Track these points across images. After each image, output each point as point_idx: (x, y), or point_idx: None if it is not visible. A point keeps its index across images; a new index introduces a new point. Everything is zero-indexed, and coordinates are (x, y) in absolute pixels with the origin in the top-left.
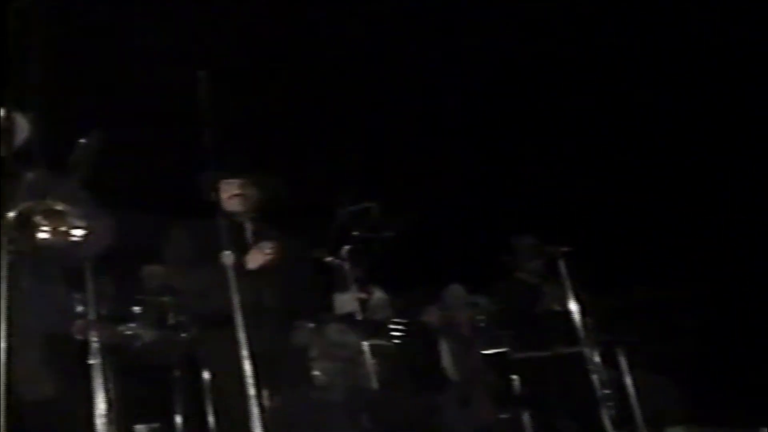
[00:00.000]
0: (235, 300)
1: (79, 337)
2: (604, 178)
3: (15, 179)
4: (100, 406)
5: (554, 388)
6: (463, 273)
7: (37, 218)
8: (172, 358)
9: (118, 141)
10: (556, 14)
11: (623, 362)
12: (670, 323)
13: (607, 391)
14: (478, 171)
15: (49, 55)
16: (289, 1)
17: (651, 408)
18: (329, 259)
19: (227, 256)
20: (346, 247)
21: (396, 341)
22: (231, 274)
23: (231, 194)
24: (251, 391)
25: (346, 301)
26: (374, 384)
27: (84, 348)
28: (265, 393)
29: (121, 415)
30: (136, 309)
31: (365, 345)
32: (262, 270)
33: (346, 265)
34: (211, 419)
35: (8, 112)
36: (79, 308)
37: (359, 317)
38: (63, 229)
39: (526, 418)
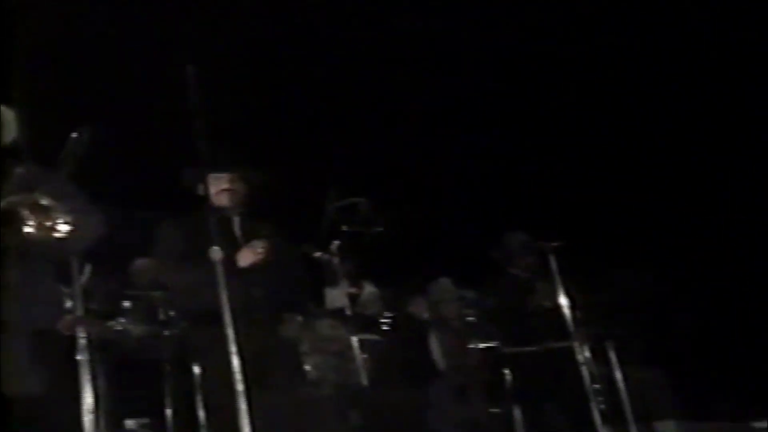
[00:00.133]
0: (224, 295)
1: (66, 332)
2: (596, 174)
3: (3, 173)
4: (88, 401)
5: (545, 382)
6: (455, 268)
7: (24, 212)
8: (162, 353)
9: (107, 136)
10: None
11: (613, 357)
12: (659, 318)
13: (597, 386)
14: (470, 167)
15: (38, 50)
16: None
17: (641, 402)
18: (319, 254)
19: (215, 252)
20: (336, 242)
21: (386, 335)
22: (219, 270)
23: (220, 189)
24: (240, 386)
25: (337, 296)
26: (364, 380)
27: (72, 344)
28: (255, 388)
29: (111, 410)
30: (126, 304)
31: (355, 340)
32: (253, 267)
33: (336, 261)
34: (201, 414)
35: None
36: (68, 303)
37: (349, 312)
38: (49, 224)
39: (516, 412)
